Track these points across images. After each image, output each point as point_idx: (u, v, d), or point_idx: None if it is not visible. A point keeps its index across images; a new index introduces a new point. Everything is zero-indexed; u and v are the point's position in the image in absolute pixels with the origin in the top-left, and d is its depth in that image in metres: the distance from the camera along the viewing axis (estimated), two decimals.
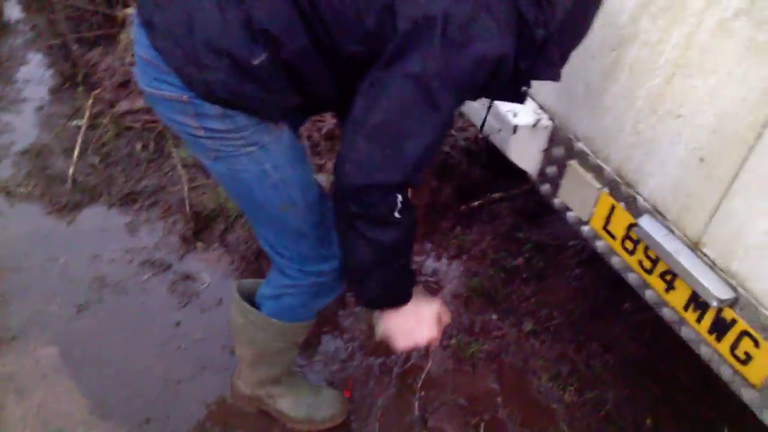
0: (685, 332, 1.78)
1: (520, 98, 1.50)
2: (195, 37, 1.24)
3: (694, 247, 1.69)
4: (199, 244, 2.62)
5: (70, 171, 2.95)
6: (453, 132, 3.09)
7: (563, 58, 1.47)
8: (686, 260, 1.68)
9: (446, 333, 2.46)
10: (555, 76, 1.45)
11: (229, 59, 1.24)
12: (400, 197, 1.30)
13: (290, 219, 1.56)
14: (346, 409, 2.12)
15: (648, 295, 1.87)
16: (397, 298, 1.53)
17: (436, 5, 1.21)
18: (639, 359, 2.47)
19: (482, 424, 2.15)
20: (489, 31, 1.26)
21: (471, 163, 3.01)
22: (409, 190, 1.41)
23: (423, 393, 2.22)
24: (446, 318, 1.63)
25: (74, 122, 3.33)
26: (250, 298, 1.80)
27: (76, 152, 3.02)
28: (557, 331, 2.54)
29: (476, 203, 2.92)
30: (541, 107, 2.16)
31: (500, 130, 2.17)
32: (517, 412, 2.19)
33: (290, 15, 1.25)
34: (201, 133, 1.38)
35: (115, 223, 2.74)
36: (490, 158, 3.04)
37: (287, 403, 2.04)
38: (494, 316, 2.53)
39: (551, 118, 2.11)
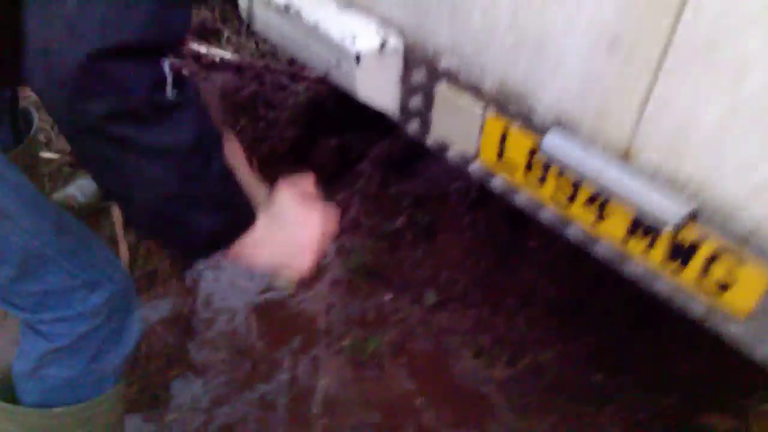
0: (631, 269, 1.41)
1: None
2: None
3: (625, 157, 1.31)
4: None
5: None
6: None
7: None
8: (618, 177, 1.30)
9: (334, 333, 1.99)
10: None
11: None
12: (167, 64, 0.80)
13: (11, 237, 1.05)
14: None
15: (572, 232, 1.49)
16: (240, 217, 0.96)
17: None
18: (565, 302, 2.14)
19: None
20: None
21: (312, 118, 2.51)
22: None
23: (324, 421, 1.75)
24: (310, 185, 1.17)
25: None
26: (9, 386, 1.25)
27: None
28: (466, 295, 2.16)
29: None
30: (385, 22, 1.68)
31: (339, 63, 1.68)
32: (445, 411, 1.78)
33: None
34: None
35: None
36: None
37: None
38: (388, 297, 2.09)
39: (401, 34, 1.65)
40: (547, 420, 1.85)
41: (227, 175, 0.91)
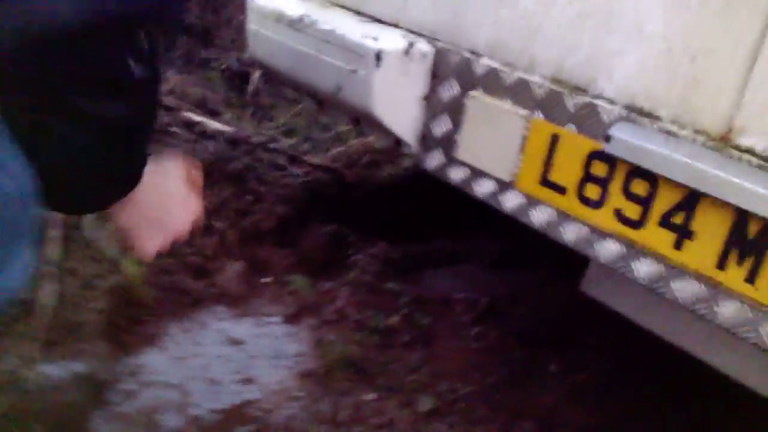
0: (724, 315, 1.04)
1: None
2: None
3: (722, 143, 1.01)
4: None
5: None
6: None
7: None
8: (716, 165, 0.99)
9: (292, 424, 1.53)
10: None
11: None
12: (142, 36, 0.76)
13: None
14: None
15: (641, 269, 1.13)
16: (129, 184, 0.91)
17: None
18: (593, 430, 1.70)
19: None
20: None
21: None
22: None
23: None
24: (198, 175, 1.03)
25: None
26: None
27: None
28: (470, 409, 1.71)
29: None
30: (413, 32, 1.47)
31: (354, 71, 1.44)
32: None
33: None
34: None
35: None
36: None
37: None
38: (372, 396, 1.65)
39: (431, 40, 1.42)
40: None
41: (141, 152, 0.90)
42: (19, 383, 1.46)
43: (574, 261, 1.38)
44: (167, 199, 0.98)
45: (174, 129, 2.24)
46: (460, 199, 2.52)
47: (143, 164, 0.94)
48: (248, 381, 1.68)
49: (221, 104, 2.65)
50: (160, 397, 1.56)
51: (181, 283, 1.87)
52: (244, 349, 1.77)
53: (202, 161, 2.21)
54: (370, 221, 2.39)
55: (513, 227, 2.42)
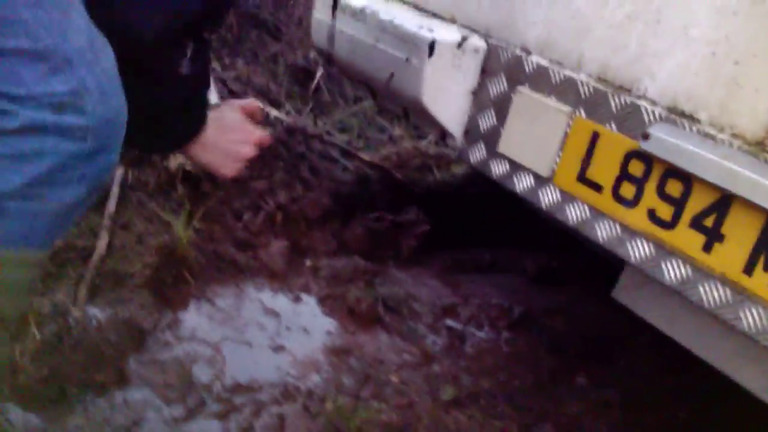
0: (748, 322, 1.04)
1: None
2: None
3: (757, 149, 1.01)
4: None
5: None
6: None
7: None
8: (750, 168, 0.99)
9: (315, 392, 1.58)
10: None
11: None
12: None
13: None
14: None
15: (668, 272, 1.14)
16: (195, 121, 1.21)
17: None
18: None
19: None
20: None
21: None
22: None
23: None
24: (254, 107, 1.35)
25: None
26: None
27: None
28: (491, 404, 1.72)
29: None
30: (468, 28, 1.51)
31: (407, 60, 1.48)
32: None
33: None
34: None
35: None
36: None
37: None
38: (395, 378, 1.68)
39: (485, 36, 1.46)
40: None
41: (198, 107, 1.19)
42: (64, 316, 1.54)
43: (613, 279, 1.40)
44: (229, 132, 1.22)
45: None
46: (504, 210, 2.56)
47: (203, 115, 1.19)
48: (279, 348, 1.73)
49: (283, 96, 2.74)
50: (194, 351, 1.63)
51: (226, 252, 1.95)
52: (279, 320, 1.83)
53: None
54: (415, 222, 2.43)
55: (555, 243, 2.46)
